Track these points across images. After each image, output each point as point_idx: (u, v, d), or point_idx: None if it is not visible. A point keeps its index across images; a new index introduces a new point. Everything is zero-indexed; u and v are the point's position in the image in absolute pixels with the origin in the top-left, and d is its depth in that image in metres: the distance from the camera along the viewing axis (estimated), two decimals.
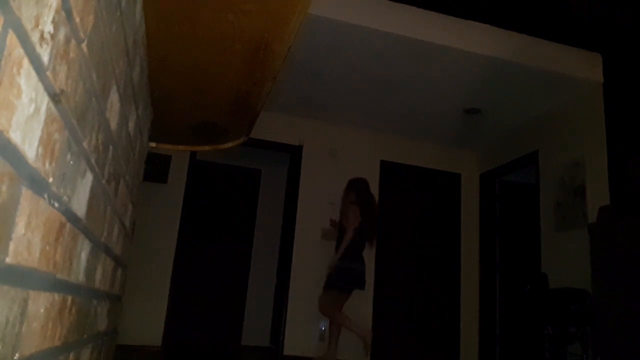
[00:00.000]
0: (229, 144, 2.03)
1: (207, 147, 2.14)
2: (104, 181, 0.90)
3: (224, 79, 1.46)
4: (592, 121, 4.02)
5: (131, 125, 1.18)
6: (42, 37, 0.46)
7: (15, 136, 0.42)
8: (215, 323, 5.65)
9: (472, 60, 3.84)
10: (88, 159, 0.73)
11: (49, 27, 0.48)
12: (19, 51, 0.41)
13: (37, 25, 0.45)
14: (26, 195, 0.46)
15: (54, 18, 0.49)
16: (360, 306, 4.91)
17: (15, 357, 0.49)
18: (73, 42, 0.57)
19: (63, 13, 0.51)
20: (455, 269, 5.30)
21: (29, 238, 0.49)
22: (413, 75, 4.17)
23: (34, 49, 0.45)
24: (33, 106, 0.46)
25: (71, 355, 0.81)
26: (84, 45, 0.62)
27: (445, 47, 3.70)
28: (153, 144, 1.91)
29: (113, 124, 0.91)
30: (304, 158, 5.12)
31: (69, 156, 0.61)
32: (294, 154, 5.31)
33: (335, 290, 4.11)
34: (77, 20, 0.57)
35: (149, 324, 4.31)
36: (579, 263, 3.62)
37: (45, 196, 0.53)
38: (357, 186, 4.40)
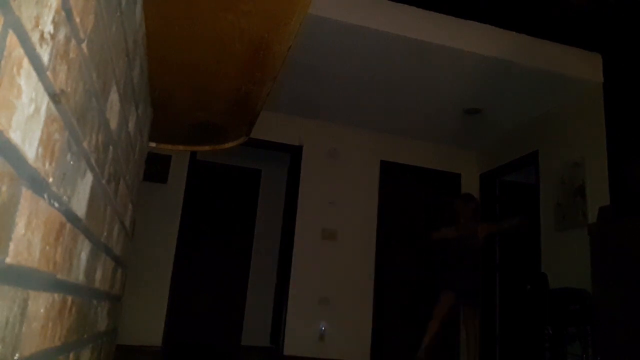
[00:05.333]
0: (229, 144, 2.03)
1: (207, 147, 2.14)
2: (104, 181, 0.90)
3: (224, 79, 1.46)
4: (592, 121, 4.02)
5: (131, 125, 1.18)
6: (42, 37, 0.46)
7: (15, 136, 0.42)
8: (215, 323, 5.65)
9: (472, 60, 3.84)
10: (88, 159, 0.73)
11: (49, 27, 0.48)
12: (19, 51, 0.41)
13: (37, 25, 0.45)
14: (26, 195, 0.46)
15: (54, 18, 0.49)
16: (360, 306, 4.91)
17: (15, 357, 0.49)
18: (73, 42, 0.57)
19: (63, 13, 0.51)
20: None
21: (29, 238, 0.49)
22: (413, 75, 4.17)
23: (34, 49, 0.45)
24: (33, 106, 0.46)
25: (71, 355, 0.81)
26: (84, 45, 0.62)
27: (445, 47, 3.70)
28: (153, 144, 1.91)
29: (113, 124, 0.91)
30: (304, 158, 5.12)
31: (69, 156, 0.61)
32: (294, 154, 5.31)
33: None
34: (77, 20, 0.57)
35: (149, 324, 4.31)
36: (579, 263, 3.62)
37: (45, 196, 0.53)
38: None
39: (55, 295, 0.65)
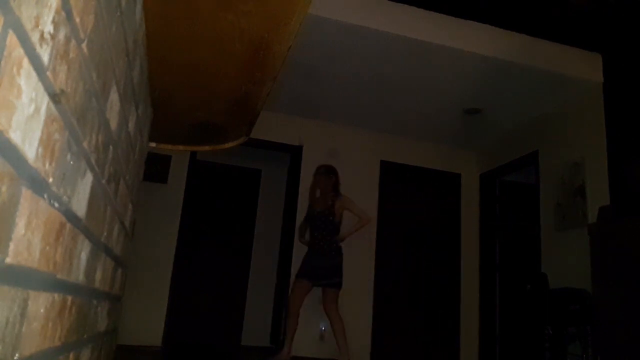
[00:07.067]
0: (229, 144, 2.03)
1: (207, 147, 2.14)
2: (104, 181, 0.90)
3: (224, 79, 1.46)
4: (592, 121, 4.02)
5: (131, 125, 1.18)
6: (42, 37, 0.46)
7: (15, 136, 0.42)
8: (215, 323, 5.65)
9: (472, 60, 3.84)
10: (88, 159, 0.73)
11: (49, 27, 0.48)
12: (19, 51, 0.41)
13: (37, 25, 0.45)
14: (26, 195, 0.46)
15: (54, 18, 0.49)
16: (360, 306, 4.91)
17: (15, 357, 0.49)
18: (73, 42, 0.57)
19: (63, 13, 0.51)
20: (456, 269, 5.30)
21: (29, 238, 0.49)
22: (413, 75, 4.17)
23: (34, 49, 0.45)
24: (33, 106, 0.46)
25: (71, 355, 0.81)
26: (84, 45, 0.62)
27: (445, 47, 3.70)
28: (153, 144, 1.91)
29: (113, 124, 0.91)
30: (304, 158, 5.11)
31: (69, 156, 0.61)
32: (294, 154, 5.31)
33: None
34: (77, 20, 0.57)
35: (149, 324, 4.31)
36: (579, 263, 3.62)
37: (45, 196, 0.53)
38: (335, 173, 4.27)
39: (55, 295, 0.65)
